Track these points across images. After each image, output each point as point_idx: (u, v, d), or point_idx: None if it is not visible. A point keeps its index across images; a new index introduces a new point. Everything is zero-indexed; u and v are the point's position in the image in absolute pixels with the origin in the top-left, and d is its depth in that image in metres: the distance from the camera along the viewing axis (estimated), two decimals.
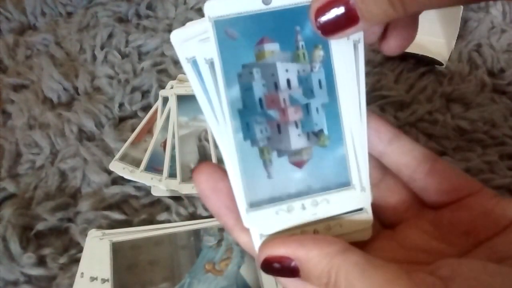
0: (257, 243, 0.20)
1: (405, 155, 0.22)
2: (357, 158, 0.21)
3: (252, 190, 0.20)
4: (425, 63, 0.50)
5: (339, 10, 0.17)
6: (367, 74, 0.49)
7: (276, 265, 0.18)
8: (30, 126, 0.46)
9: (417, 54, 0.49)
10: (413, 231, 0.21)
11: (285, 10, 0.20)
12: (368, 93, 0.51)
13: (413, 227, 0.21)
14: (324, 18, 0.18)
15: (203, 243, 0.36)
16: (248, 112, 0.20)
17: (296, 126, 0.20)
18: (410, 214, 0.22)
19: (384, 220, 0.23)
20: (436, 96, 0.47)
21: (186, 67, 0.19)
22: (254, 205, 0.20)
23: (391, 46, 0.21)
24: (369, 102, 0.46)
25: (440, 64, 0.49)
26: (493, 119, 0.44)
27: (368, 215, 0.21)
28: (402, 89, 0.48)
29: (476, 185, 0.21)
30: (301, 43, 0.20)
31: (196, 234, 0.37)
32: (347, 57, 0.21)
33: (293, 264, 0.18)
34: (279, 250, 0.18)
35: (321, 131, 0.21)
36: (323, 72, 0.21)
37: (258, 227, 0.20)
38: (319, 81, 0.21)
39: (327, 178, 0.21)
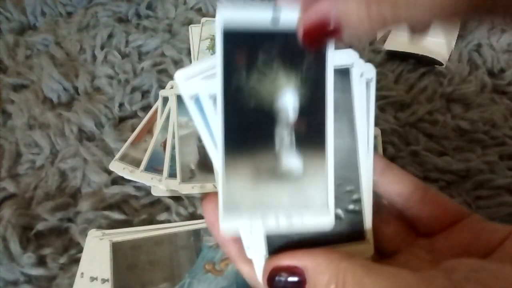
0: (259, 274, 0.20)
1: (397, 184, 0.23)
2: (363, 195, 0.22)
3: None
4: (425, 63, 0.50)
5: (324, 28, 0.18)
6: None
7: (283, 278, 0.19)
8: (30, 126, 0.46)
9: (417, 54, 0.49)
10: (409, 258, 0.22)
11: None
12: None
13: (409, 254, 0.22)
14: (311, 29, 0.19)
15: (203, 243, 0.36)
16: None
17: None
18: (406, 243, 0.23)
19: (381, 249, 0.23)
20: (436, 96, 0.47)
21: (189, 103, 0.20)
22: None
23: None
24: None
25: (440, 64, 0.49)
26: (493, 119, 0.44)
27: (369, 245, 0.22)
28: (402, 89, 0.48)
29: (464, 211, 0.22)
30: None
31: (196, 234, 0.37)
32: (360, 95, 0.21)
33: (299, 277, 0.18)
34: (286, 261, 0.19)
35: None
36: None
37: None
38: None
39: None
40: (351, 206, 0.22)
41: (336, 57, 0.20)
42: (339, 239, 0.21)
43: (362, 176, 0.22)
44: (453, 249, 0.21)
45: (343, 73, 0.21)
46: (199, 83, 0.20)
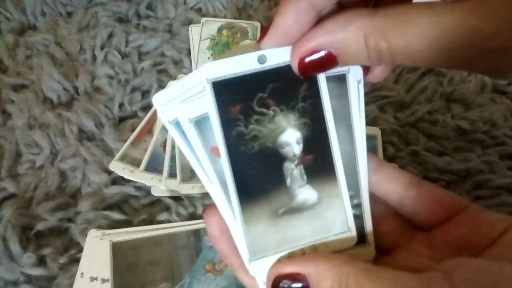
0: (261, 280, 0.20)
1: (391, 182, 0.23)
2: (363, 198, 0.22)
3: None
4: None
5: (321, 58, 0.18)
6: None
7: (286, 285, 0.19)
8: (30, 126, 0.46)
9: None
10: (409, 254, 0.22)
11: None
12: (368, 93, 0.51)
13: (408, 250, 0.22)
14: (307, 63, 0.19)
15: (203, 243, 0.36)
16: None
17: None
18: (404, 239, 0.23)
19: (379, 247, 0.23)
20: (436, 96, 0.47)
21: (170, 129, 0.20)
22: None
23: (376, 76, 0.22)
24: (369, 102, 0.46)
25: None
26: (493, 119, 0.44)
27: (371, 248, 0.22)
28: (402, 89, 0.48)
29: (462, 202, 0.22)
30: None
31: (196, 234, 0.37)
32: (356, 100, 0.21)
33: (302, 283, 0.18)
34: (288, 268, 0.19)
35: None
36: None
37: (262, 275, 0.20)
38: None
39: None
40: (352, 212, 0.22)
41: None
42: None
43: (361, 180, 0.22)
44: (452, 243, 0.21)
45: (340, 79, 0.21)
46: (177, 107, 0.19)
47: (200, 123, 0.20)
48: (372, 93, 0.47)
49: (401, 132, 0.44)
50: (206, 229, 0.22)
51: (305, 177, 0.21)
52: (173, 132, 0.20)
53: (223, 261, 0.22)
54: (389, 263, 0.22)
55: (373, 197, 0.23)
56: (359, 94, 0.21)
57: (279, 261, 0.20)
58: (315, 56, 0.18)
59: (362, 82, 0.21)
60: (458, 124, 0.44)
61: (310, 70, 0.19)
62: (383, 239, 0.23)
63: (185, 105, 0.19)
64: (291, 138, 0.20)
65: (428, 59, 0.17)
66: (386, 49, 0.17)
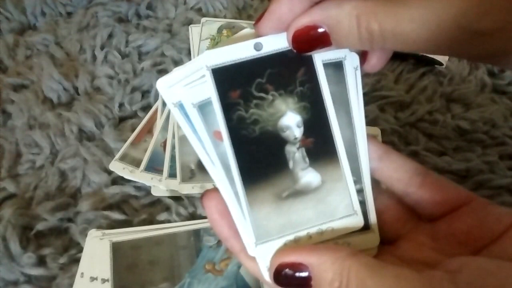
0: (265, 273, 0.20)
1: (396, 170, 0.23)
2: (365, 184, 0.22)
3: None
4: (425, 63, 0.50)
5: (314, 34, 0.19)
6: (367, 74, 0.49)
7: (289, 272, 0.19)
8: (30, 126, 0.46)
9: (417, 54, 0.49)
10: (412, 245, 0.22)
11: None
12: (368, 93, 0.51)
13: (412, 241, 0.22)
14: (301, 37, 0.19)
15: (203, 243, 0.36)
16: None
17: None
18: (407, 229, 0.23)
19: (382, 236, 0.23)
20: (436, 96, 0.47)
21: (174, 111, 0.20)
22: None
23: (372, 65, 0.22)
24: (369, 102, 0.46)
25: (440, 64, 0.49)
26: (493, 119, 0.44)
27: (375, 235, 0.22)
28: (402, 89, 0.48)
29: (468, 195, 0.21)
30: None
31: (196, 234, 0.37)
32: (353, 86, 0.22)
33: (305, 273, 0.18)
34: (291, 257, 0.19)
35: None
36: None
37: (266, 259, 0.20)
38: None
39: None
40: None
41: (330, 52, 0.21)
42: None
43: (362, 165, 0.22)
44: (455, 235, 0.21)
45: (337, 66, 0.21)
46: (181, 90, 0.20)
47: (203, 107, 0.20)
48: (372, 93, 0.47)
49: (401, 132, 0.44)
50: (206, 212, 0.22)
51: (307, 159, 0.21)
52: (177, 115, 0.20)
53: (223, 243, 0.22)
54: (392, 253, 0.22)
55: (376, 186, 0.23)
56: (357, 80, 0.22)
57: (284, 247, 0.20)
58: (309, 31, 0.19)
59: (359, 69, 0.21)
60: (458, 124, 0.44)
61: (304, 46, 0.20)
62: (386, 228, 0.23)
63: (188, 90, 0.20)
64: (291, 121, 0.21)
65: (418, 41, 0.17)
66: (377, 30, 0.17)
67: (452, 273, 0.16)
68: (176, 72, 0.20)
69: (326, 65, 0.21)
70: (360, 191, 0.22)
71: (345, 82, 0.22)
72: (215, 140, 0.20)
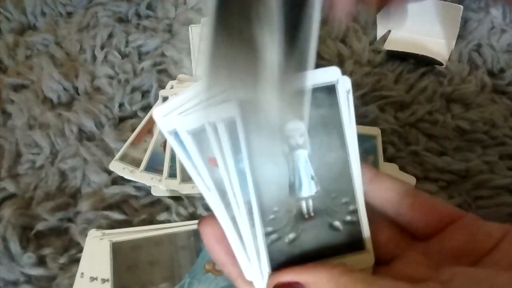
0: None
1: (387, 191, 0.23)
2: (358, 205, 0.23)
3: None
4: (425, 63, 0.50)
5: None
6: (367, 74, 0.49)
7: None
8: (30, 126, 0.46)
9: (417, 54, 0.49)
10: (406, 263, 0.22)
11: None
12: (368, 93, 0.51)
13: (406, 259, 0.22)
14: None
15: (203, 243, 0.36)
16: None
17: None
18: (401, 249, 0.23)
19: (376, 257, 0.23)
20: (436, 96, 0.47)
21: (170, 139, 0.21)
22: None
23: None
24: (369, 102, 0.46)
25: (440, 64, 0.49)
26: (493, 119, 0.44)
27: (370, 254, 0.22)
28: (402, 89, 0.48)
29: (458, 211, 0.22)
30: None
31: (196, 234, 0.37)
32: (346, 109, 0.22)
33: None
34: (287, 276, 0.19)
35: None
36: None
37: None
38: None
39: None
40: (348, 217, 0.22)
41: (322, 76, 0.21)
42: (340, 251, 0.22)
43: (356, 186, 0.22)
44: (448, 252, 0.21)
45: (329, 90, 0.22)
46: (176, 118, 0.20)
47: (197, 134, 0.21)
48: (372, 93, 0.47)
49: (401, 132, 0.44)
50: (202, 238, 0.22)
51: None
52: (172, 143, 0.21)
53: (220, 270, 0.22)
54: (387, 273, 0.22)
55: (369, 207, 0.23)
56: (349, 103, 0.22)
57: (278, 270, 0.20)
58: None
59: (351, 92, 0.22)
60: (458, 124, 0.44)
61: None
62: (380, 249, 0.23)
63: (182, 118, 0.21)
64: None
65: None
66: None
67: (444, 283, 0.17)
68: (171, 101, 0.21)
69: (319, 89, 0.22)
70: (354, 212, 0.22)
71: (338, 105, 0.22)
72: (210, 166, 0.21)
